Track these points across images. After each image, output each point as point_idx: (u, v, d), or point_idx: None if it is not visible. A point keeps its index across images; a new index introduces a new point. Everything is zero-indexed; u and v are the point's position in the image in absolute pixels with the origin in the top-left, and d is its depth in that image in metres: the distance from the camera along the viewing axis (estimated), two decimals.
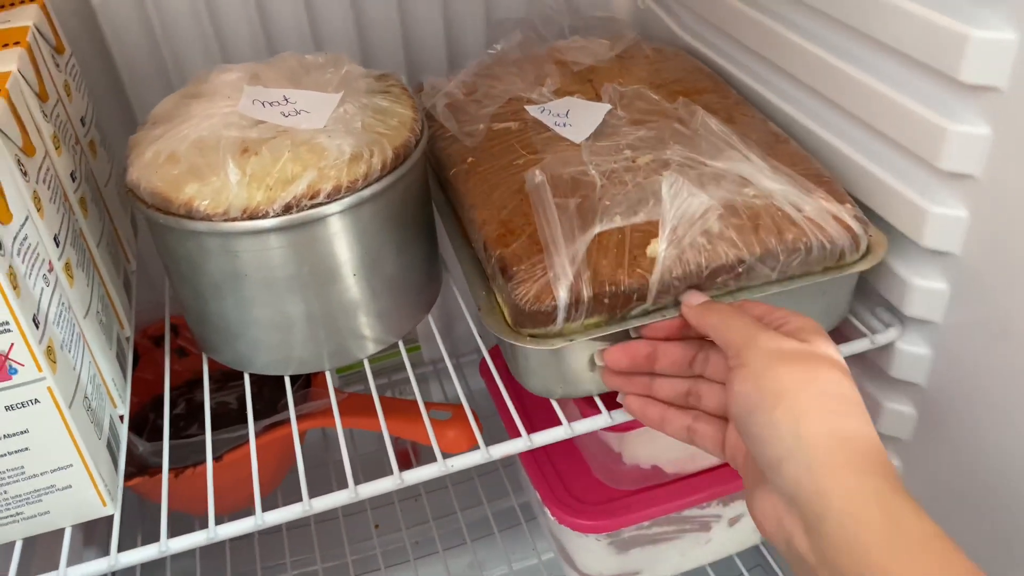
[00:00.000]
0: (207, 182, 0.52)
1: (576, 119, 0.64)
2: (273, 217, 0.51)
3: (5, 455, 0.47)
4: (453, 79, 0.71)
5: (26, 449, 0.47)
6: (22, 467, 0.48)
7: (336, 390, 0.64)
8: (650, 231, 0.53)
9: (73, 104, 0.63)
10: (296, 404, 0.72)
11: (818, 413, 0.41)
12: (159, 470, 0.73)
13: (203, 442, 0.72)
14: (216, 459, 0.72)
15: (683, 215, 0.53)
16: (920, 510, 0.38)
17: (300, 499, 0.52)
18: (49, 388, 0.46)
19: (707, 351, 0.50)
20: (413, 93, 0.63)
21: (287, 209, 0.51)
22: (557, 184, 0.56)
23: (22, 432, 0.47)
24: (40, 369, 0.45)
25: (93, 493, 0.50)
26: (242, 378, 0.63)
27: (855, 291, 0.60)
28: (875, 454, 0.40)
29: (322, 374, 0.65)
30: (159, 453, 0.75)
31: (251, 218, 0.51)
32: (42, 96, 0.56)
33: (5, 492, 0.48)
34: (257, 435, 0.71)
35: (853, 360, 0.64)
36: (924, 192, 0.54)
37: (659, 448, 0.67)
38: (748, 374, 0.44)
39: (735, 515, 0.75)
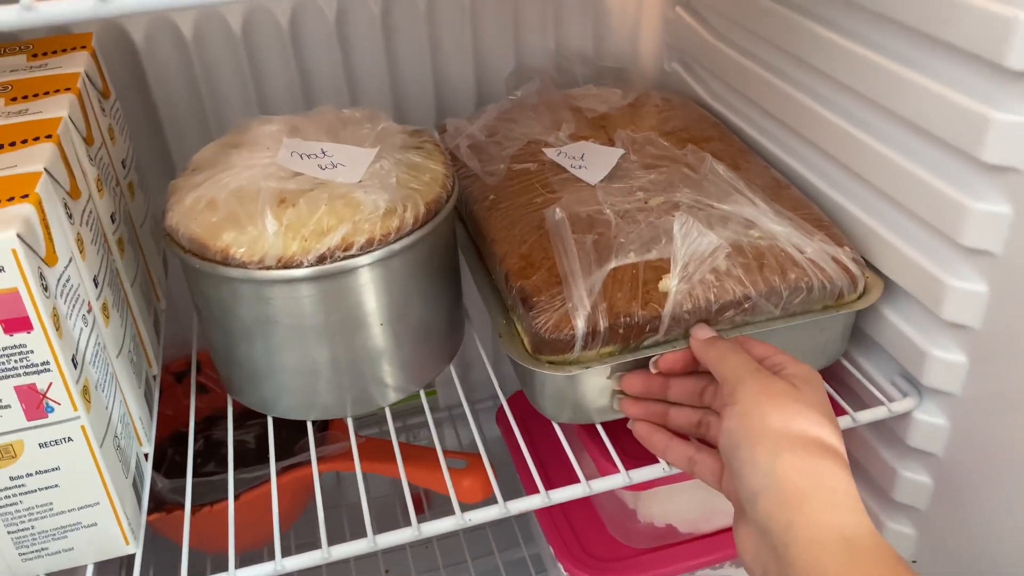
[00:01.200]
0: (244, 231, 0.53)
1: (591, 162, 0.67)
2: (307, 267, 0.53)
3: (35, 491, 0.48)
4: (475, 121, 0.75)
5: (56, 486, 0.48)
6: (51, 503, 0.49)
7: (358, 435, 0.65)
8: (662, 267, 0.56)
9: (116, 147, 0.66)
10: (318, 445, 0.73)
11: (795, 453, 0.44)
12: (176, 507, 0.74)
13: (221, 481, 0.73)
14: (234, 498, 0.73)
15: (694, 253, 0.56)
16: (879, 537, 0.41)
17: (312, 540, 0.53)
18: (83, 427, 0.47)
19: (715, 384, 0.53)
20: (439, 137, 0.65)
21: (320, 260, 0.53)
22: (575, 221, 0.59)
23: (53, 469, 0.48)
24: (75, 408, 0.46)
25: (117, 531, 0.51)
26: (259, 417, 0.64)
27: (875, 358, 0.62)
28: (844, 493, 0.43)
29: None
30: (177, 490, 0.76)
31: (285, 267, 0.53)
32: (88, 140, 0.58)
33: (32, 527, 0.49)
34: (279, 475, 0.72)
35: (870, 427, 0.65)
36: (944, 265, 0.55)
37: (674, 507, 0.68)
38: (736, 411, 0.47)
39: None
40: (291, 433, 0.83)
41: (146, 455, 0.59)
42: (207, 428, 0.90)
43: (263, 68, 0.78)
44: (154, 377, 0.65)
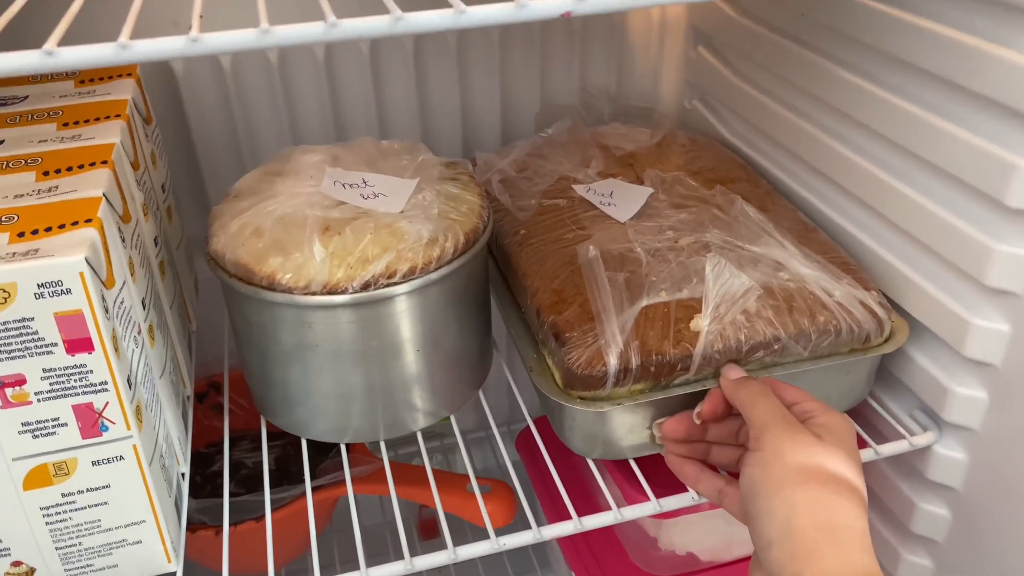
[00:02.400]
0: (290, 257, 0.55)
1: (620, 200, 0.69)
2: (350, 294, 0.54)
3: (85, 508, 0.49)
4: (506, 157, 0.76)
5: (105, 504, 0.49)
6: (99, 520, 0.50)
7: (375, 458, 0.66)
8: (693, 307, 0.57)
9: (157, 172, 0.67)
10: (334, 469, 0.74)
11: (810, 507, 0.45)
12: (199, 526, 0.75)
13: (244, 502, 0.74)
14: (257, 519, 0.74)
15: (725, 294, 0.57)
16: None
17: (335, 561, 0.53)
18: (135, 446, 0.48)
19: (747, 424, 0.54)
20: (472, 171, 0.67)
21: (364, 287, 0.54)
22: (606, 259, 0.60)
23: (104, 487, 0.49)
24: (129, 427, 0.48)
25: (160, 550, 0.52)
26: (281, 439, 0.65)
27: (895, 392, 0.63)
28: (856, 538, 0.44)
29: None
30: (203, 510, 0.76)
31: (330, 293, 0.54)
32: (135, 165, 0.60)
33: (80, 543, 0.50)
34: (296, 499, 0.73)
35: (890, 461, 0.67)
36: (968, 305, 0.57)
37: (696, 536, 0.69)
38: (759, 459, 0.48)
39: None
40: (311, 456, 0.84)
41: (183, 474, 0.60)
42: (229, 449, 0.91)
43: (297, 100, 0.80)
44: (188, 398, 0.67)
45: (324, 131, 0.81)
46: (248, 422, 0.81)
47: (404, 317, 0.57)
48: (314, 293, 0.54)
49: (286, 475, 0.83)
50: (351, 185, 0.60)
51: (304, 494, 0.74)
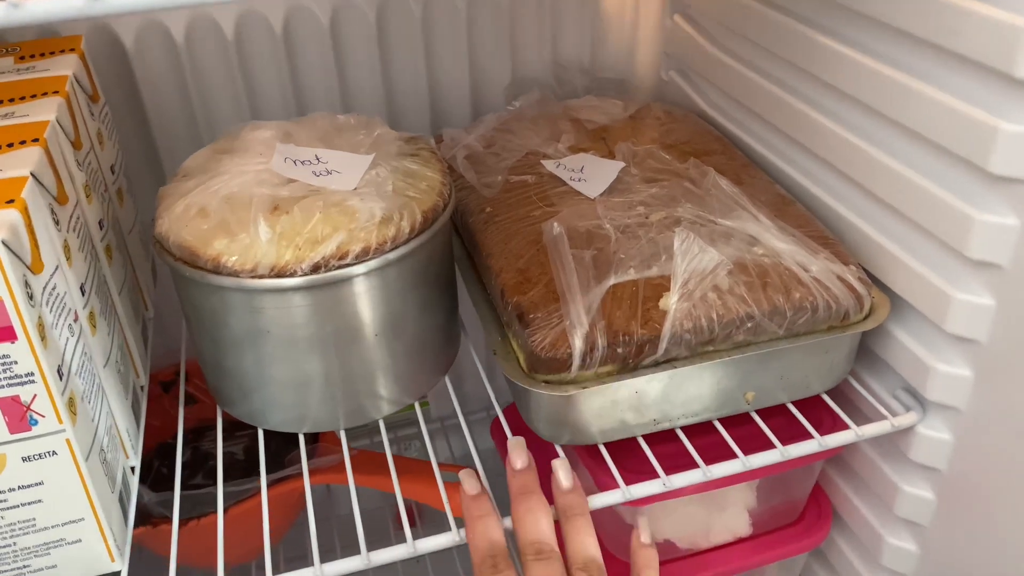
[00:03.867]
0: (236, 238, 0.52)
1: (591, 175, 0.66)
2: (300, 276, 0.51)
3: (17, 507, 0.46)
4: (472, 132, 0.73)
5: (39, 501, 0.47)
6: (33, 519, 0.47)
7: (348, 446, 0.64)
8: (663, 284, 0.55)
9: (104, 152, 0.64)
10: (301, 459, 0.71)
11: None
12: (162, 520, 0.72)
13: (208, 494, 0.71)
14: (223, 511, 0.71)
15: (694, 270, 0.54)
16: None
17: (301, 554, 0.51)
18: (68, 440, 0.45)
19: None
20: (435, 146, 0.64)
21: (315, 269, 0.52)
22: (573, 236, 0.57)
23: (36, 484, 0.46)
24: (61, 421, 0.45)
25: (103, 548, 0.50)
26: (247, 429, 0.63)
27: (877, 372, 0.61)
28: None
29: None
30: (164, 503, 0.74)
31: (278, 276, 0.51)
32: (76, 145, 0.57)
33: (14, 544, 0.47)
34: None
35: (873, 443, 0.64)
36: (950, 279, 0.54)
37: (672, 523, 0.67)
38: None
39: None
40: (280, 445, 0.81)
41: (132, 468, 0.57)
42: (195, 440, 0.88)
43: (255, 74, 0.77)
44: (141, 388, 0.64)
45: (284, 108, 0.78)
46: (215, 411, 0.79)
47: (360, 300, 0.55)
48: (262, 276, 0.52)
49: (255, 465, 0.80)
50: (302, 162, 0.57)
51: (269, 487, 0.72)
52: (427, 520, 0.92)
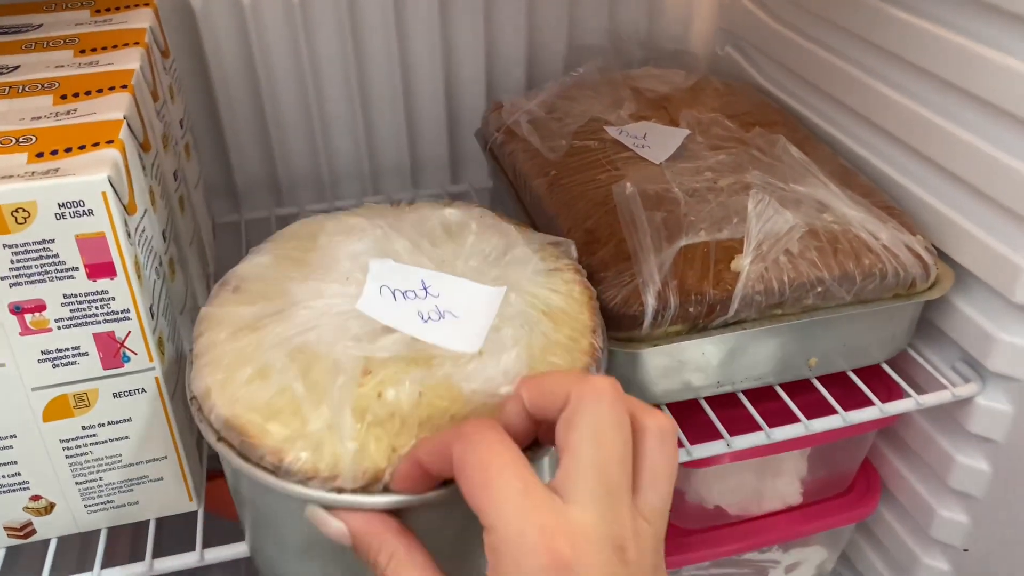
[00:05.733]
0: (308, 424, 0.38)
1: (654, 142, 0.66)
2: (388, 494, 0.37)
3: (106, 442, 0.47)
4: (533, 99, 0.74)
5: (126, 438, 0.48)
6: (120, 455, 0.48)
7: None
8: (734, 247, 0.55)
9: (175, 106, 0.65)
10: None
11: None
12: (219, 475, 0.74)
13: None
14: None
15: (768, 232, 0.55)
16: None
17: None
18: (156, 378, 0.47)
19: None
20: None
21: None
22: (643, 198, 0.57)
23: (125, 420, 0.47)
24: (151, 359, 0.46)
25: (182, 488, 0.51)
26: None
27: (936, 344, 0.61)
28: None
29: None
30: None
31: (367, 488, 0.37)
32: (154, 96, 0.58)
33: (100, 479, 0.48)
34: None
35: (929, 415, 0.65)
36: (1017, 248, 0.54)
37: (724, 489, 0.67)
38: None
39: (793, 562, 0.75)
40: None
41: None
42: None
43: (318, 39, 0.77)
44: None
45: (345, 73, 0.79)
46: None
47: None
48: (342, 490, 0.37)
49: None
50: (405, 294, 0.42)
51: None
52: None
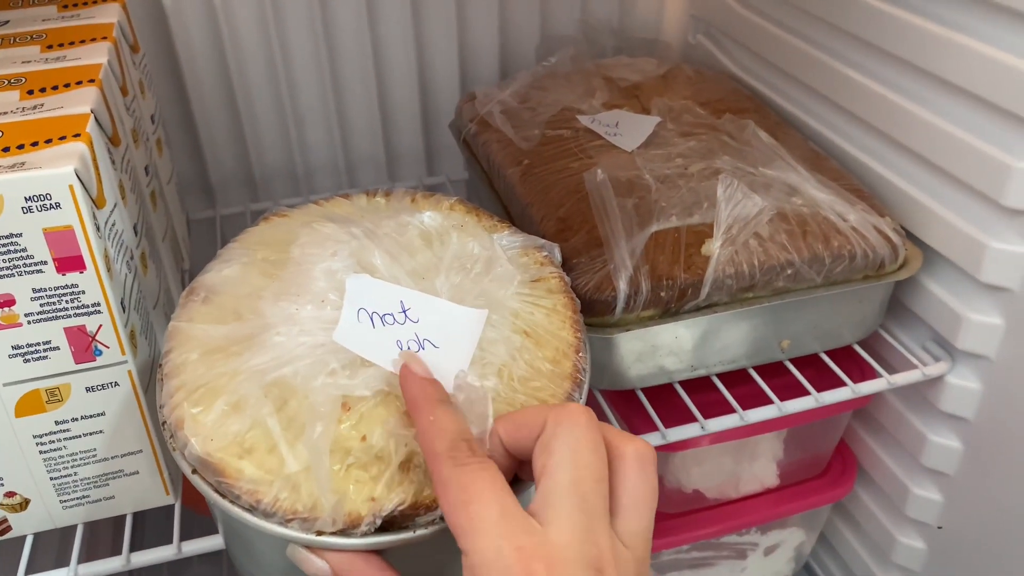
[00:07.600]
0: (284, 464, 0.37)
1: (626, 129, 0.67)
2: (374, 535, 0.36)
3: (80, 436, 0.47)
4: (506, 88, 0.74)
5: (100, 432, 0.48)
6: (94, 450, 0.48)
7: None
8: (704, 232, 0.56)
9: (146, 101, 0.65)
10: None
11: None
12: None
13: None
14: None
15: (737, 216, 0.55)
16: None
17: None
18: (129, 372, 0.46)
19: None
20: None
21: (388, 525, 0.36)
22: (614, 185, 0.58)
23: (99, 414, 0.47)
24: (124, 352, 0.46)
25: (158, 481, 0.51)
26: None
27: (906, 324, 0.62)
28: None
29: None
30: None
31: (346, 531, 0.36)
32: (123, 91, 0.58)
33: (75, 474, 0.48)
34: None
35: (900, 394, 0.66)
36: (985, 228, 0.55)
37: (702, 472, 0.68)
38: None
39: (772, 544, 0.75)
40: None
41: None
42: None
43: (289, 32, 0.77)
44: None
45: (317, 66, 0.79)
46: None
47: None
48: (321, 532, 0.36)
49: None
50: (384, 317, 0.40)
51: None
52: None
